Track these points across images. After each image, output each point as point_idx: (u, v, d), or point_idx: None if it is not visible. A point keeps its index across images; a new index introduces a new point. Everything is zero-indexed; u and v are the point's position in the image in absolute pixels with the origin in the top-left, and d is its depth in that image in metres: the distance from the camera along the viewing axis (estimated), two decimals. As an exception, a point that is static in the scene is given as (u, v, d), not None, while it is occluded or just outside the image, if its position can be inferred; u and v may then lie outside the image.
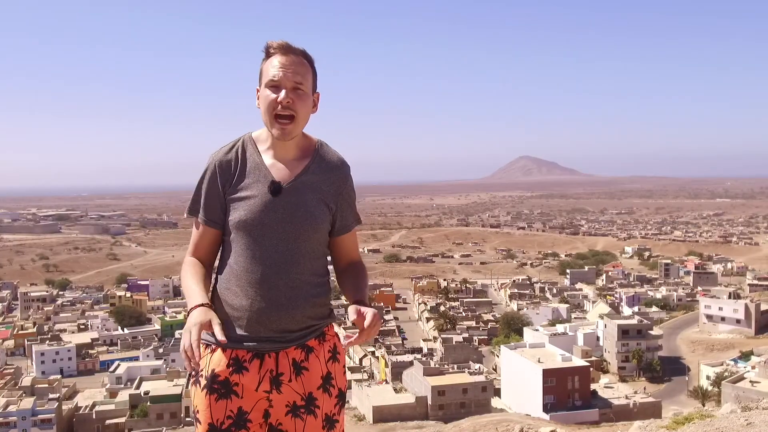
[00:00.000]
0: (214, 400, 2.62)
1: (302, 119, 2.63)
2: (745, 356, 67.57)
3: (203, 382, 2.66)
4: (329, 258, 2.91)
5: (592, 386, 55.95)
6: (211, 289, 2.73)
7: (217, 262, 2.80)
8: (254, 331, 2.61)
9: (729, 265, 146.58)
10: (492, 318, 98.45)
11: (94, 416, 52.76)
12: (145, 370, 64.12)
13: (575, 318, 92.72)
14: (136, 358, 73.97)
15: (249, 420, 2.64)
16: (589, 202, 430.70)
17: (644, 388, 63.86)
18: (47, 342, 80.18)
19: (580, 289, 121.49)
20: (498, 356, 68.44)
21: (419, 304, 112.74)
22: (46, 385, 58.79)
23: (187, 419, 49.74)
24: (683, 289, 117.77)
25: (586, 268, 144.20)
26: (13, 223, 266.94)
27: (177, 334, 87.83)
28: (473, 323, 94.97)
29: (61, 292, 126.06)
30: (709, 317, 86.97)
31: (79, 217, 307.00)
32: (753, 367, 58.35)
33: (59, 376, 66.47)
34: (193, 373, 2.70)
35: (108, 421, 51.83)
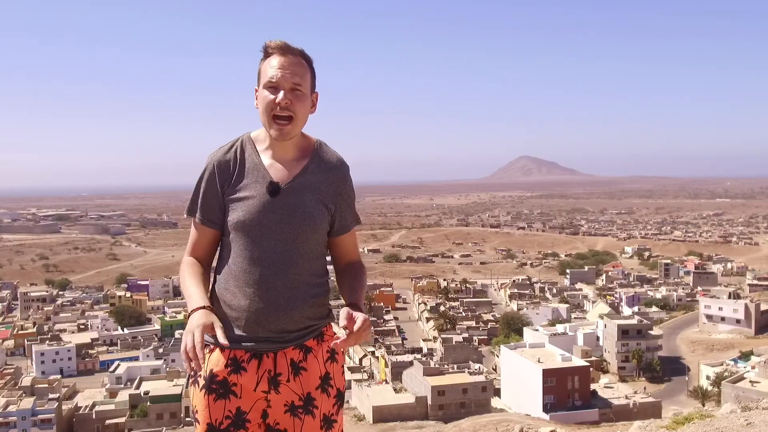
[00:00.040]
0: (212, 400, 2.63)
1: (301, 120, 2.63)
2: (745, 356, 67.57)
3: (202, 382, 2.67)
4: (329, 258, 2.92)
5: (592, 386, 55.94)
6: (209, 289, 2.73)
7: (215, 262, 2.80)
8: (252, 332, 2.61)
9: (729, 265, 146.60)
10: (492, 318, 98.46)
11: (94, 416, 52.76)
12: (145, 370, 64.13)
13: (575, 318, 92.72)
14: (136, 358, 73.98)
15: (247, 420, 2.65)
16: (589, 202, 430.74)
17: (644, 388, 63.85)
18: (47, 342, 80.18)
19: (580, 289, 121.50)
20: (498, 356, 68.44)
21: (419, 304, 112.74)
22: (46, 385, 58.80)
23: (187, 419, 49.75)
24: (683, 289, 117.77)
25: (586, 268, 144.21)
26: (13, 223, 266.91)
27: (177, 334, 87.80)
28: (473, 323, 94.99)
29: (61, 292, 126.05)
30: (709, 317, 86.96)
31: (79, 217, 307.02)
32: (753, 367, 58.34)
33: (59, 376, 66.47)
34: (192, 373, 2.71)
35: (108, 421, 51.83)
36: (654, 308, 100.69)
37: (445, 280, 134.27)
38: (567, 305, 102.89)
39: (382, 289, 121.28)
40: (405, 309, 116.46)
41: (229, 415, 2.63)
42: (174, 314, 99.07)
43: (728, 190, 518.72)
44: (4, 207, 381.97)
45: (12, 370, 71.30)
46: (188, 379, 2.79)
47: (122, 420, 51.48)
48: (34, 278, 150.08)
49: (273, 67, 2.56)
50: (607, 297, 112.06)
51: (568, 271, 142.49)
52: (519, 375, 56.56)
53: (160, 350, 77.26)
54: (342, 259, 2.89)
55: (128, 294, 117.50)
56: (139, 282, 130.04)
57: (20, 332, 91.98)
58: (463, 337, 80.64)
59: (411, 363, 60.21)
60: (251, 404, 2.65)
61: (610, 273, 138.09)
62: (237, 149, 2.72)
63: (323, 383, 2.72)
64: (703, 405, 39.69)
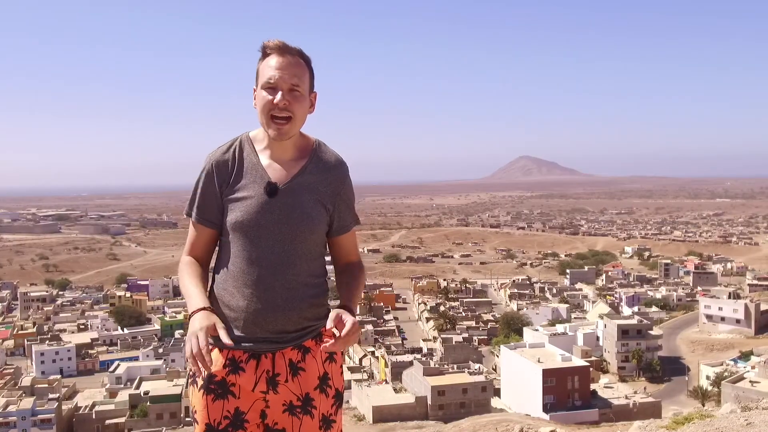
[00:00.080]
0: (211, 401, 2.64)
1: (299, 120, 2.63)
2: (745, 356, 67.57)
3: (200, 382, 2.67)
4: (329, 258, 2.91)
5: (592, 386, 55.94)
6: (208, 289, 2.73)
7: (214, 262, 2.80)
8: (251, 332, 2.61)
9: (729, 265, 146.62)
10: (492, 318, 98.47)
11: (93, 416, 52.75)
12: (144, 370, 64.13)
13: (575, 318, 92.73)
14: (136, 358, 73.96)
15: (246, 420, 2.65)
16: (589, 202, 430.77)
17: (644, 388, 63.84)
18: (47, 342, 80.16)
19: (580, 289, 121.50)
20: (498, 356, 68.44)
21: (419, 304, 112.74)
22: (46, 385, 58.79)
23: (186, 419, 49.73)
24: (683, 289, 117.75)
25: (586, 268, 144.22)
26: (13, 223, 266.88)
27: (177, 334, 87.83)
28: (473, 323, 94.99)
29: (60, 292, 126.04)
30: (709, 317, 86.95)
31: (79, 217, 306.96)
32: (753, 367, 58.34)
33: (59, 376, 66.46)
34: (191, 373, 2.71)
35: (108, 421, 51.81)
36: (654, 308, 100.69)
37: (445, 280, 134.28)
38: (567, 305, 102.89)
39: (382, 289, 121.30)
40: (405, 309, 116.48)
41: (227, 416, 2.63)
42: (174, 314, 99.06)
43: (728, 190, 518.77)
44: (4, 207, 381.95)
45: (12, 370, 71.30)
46: (188, 379, 2.80)
47: (122, 420, 51.47)
48: (34, 278, 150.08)
49: (271, 67, 2.56)
50: (607, 297, 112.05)
51: (568, 271, 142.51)
52: (519, 375, 56.55)
53: (160, 350, 77.26)
54: (341, 260, 2.89)
55: (128, 294, 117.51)
56: (139, 282, 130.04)
57: (20, 332, 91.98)
58: (463, 337, 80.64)
59: (411, 363, 60.21)
60: (250, 404, 2.65)
61: (610, 273, 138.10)
62: (235, 149, 2.71)
63: (322, 383, 2.72)
64: (703, 405, 39.68)
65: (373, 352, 74.51)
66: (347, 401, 50.74)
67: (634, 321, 78.36)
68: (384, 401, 48.87)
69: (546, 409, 50.66)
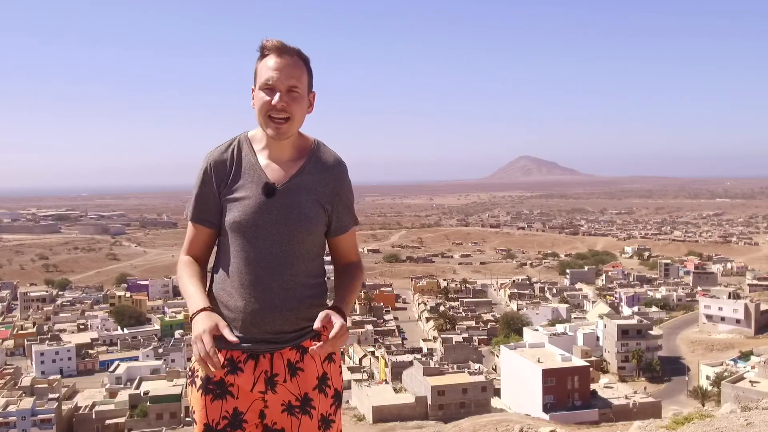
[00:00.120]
0: (209, 401, 2.64)
1: (298, 120, 2.62)
2: (745, 356, 67.56)
3: (199, 382, 2.68)
4: (329, 258, 2.91)
5: (592, 386, 55.94)
6: (207, 288, 2.73)
7: (212, 262, 2.80)
8: (249, 333, 2.61)
9: (729, 265, 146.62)
10: (492, 318, 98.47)
11: (93, 416, 52.74)
12: (144, 370, 64.12)
13: (575, 318, 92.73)
14: (136, 358, 73.93)
15: (245, 420, 2.66)
16: (588, 202, 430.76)
17: (644, 388, 63.85)
18: (47, 342, 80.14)
19: (580, 289, 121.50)
20: (498, 356, 68.44)
21: (419, 304, 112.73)
22: (46, 385, 58.77)
23: (186, 419, 49.72)
24: (683, 289, 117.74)
25: (586, 268, 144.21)
26: (13, 223, 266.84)
27: (177, 334, 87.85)
28: (473, 323, 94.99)
29: (60, 292, 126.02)
30: (709, 317, 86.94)
31: (79, 217, 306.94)
32: (753, 367, 58.33)
33: (59, 376, 66.44)
34: (190, 373, 2.71)
35: (108, 421, 51.80)
36: (654, 308, 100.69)
37: (445, 280, 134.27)
38: (567, 305, 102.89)
39: (382, 289, 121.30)
40: (405, 309, 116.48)
41: (226, 416, 2.64)
42: (174, 314, 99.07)
43: (728, 190, 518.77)
44: (4, 207, 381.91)
45: (12, 370, 71.29)
46: (187, 379, 2.79)
47: (122, 420, 51.47)
48: (34, 278, 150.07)
49: (269, 68, 2.55)
50: (607, 297, 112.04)
51: (568, 271, 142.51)
52: (519, 375, 56.55)
53: (160, 350, 77.24)
54: (340, 260, 2.88)
55: (128, 294, 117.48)
56: (138, 282, 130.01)
57: (20, 332, 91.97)
58: (463, 337, 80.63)
59: (411, 363, 60.20)
60: (248, 404, 2.65)
61: (610, 273, 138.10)
62: (234, 149, 2.71)
63: (320, 384, 2.72)
64: (703, 405, 39.68)
65: (373, 352, 74.51)
66: (347, 401, 50.73)
67: (634, 321, 78.35)
68: (384, 401, 48.87)
69: (546, 409, 50.66)
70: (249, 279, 2.60)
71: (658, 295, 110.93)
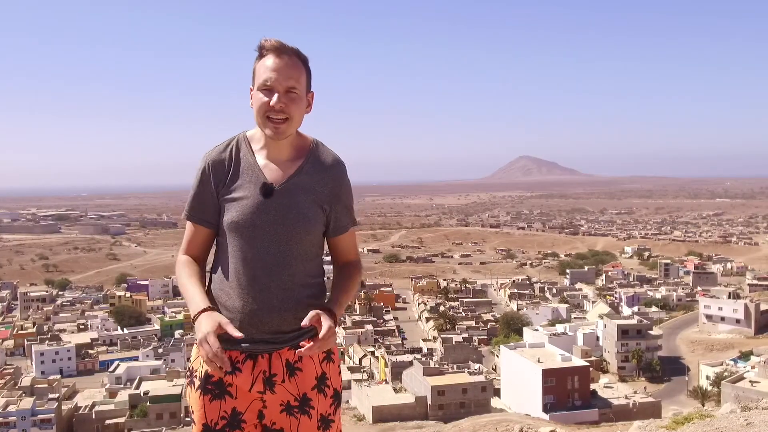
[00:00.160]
0: (208, 401, 2.64)
1: (296, 120, 2.62)
2: (745, 356, 67.56)
3: (197, 382, 2.68)
4: (329, 258, 2.90)
5: (592, 386, 55.94)
6: (206, 287, 2.73)
7: (211, 262, 2.80)
8: (247, 333, 2.60)
9: (729, 265, 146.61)
10: (492, 318, 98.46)
11: (93, 416, 52.75)
12: (144, 370, 64.12)
13: (575, 318, 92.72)
14: (136, 358, 73.94)
15: (243, 420, 2.66)
16: (588, 202, 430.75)
17: (644, 388, 63.85)
18: (47, 342, 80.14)
19: (580, 289, 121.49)
20: (498, 356, 68.43)
21: (419, 304, 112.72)
22: (46, 385, 58.76)
23: (186, 419, 49.70)
24: (683, 289, 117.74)
25: (586, 268, 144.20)
26: (12, 223, 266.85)
27: (177, 334, 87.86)
28: (473, 323, 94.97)
29: (60, 292, 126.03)
30: (709, 317, 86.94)
31: (79, 217, 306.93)
32: (753, 367, 58.34)
33: (59, 376, 66.45)
34: (189, 373, 2.72)
35: (108, 421, 51.80)
36: (654, 308, 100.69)
37: (445, 280, 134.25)
38: (567, 305, 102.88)
39: (382, 289, 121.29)
40: (405, 309, 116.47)
41: (224, 416, 2.64)
42: (174, 314, 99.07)
43: (728, 190, 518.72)
44: (4, 207, 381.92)
45: (12, 370, 71.30)
46: (186, 379, 2.80)
47: (122, 420, 51.47)
48: (34, 278, 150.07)
49: (267, 68, 2.54)
50: (607, 297, 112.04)
51: (567, 271, 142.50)
52: (519, 375, 56.55)
53: (160, 350, 77.23)
54: (339, 260, 2.89)
55: (128, 294, 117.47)
56: (138, 282, 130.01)
57: (20, 332, 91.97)
58: (462, 337, 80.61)
59: (411, 363, 60.20)
60: (247, 405, 2.65)
61: (609, 273, 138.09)
62: (232, 148, 2.71)
63: (319, 383, 2.71)
64: (703, 405, 39.66)
65: (373, 352, 74.51)
66: (347, 401, 50.72)
67: (634, 321, 78.35)
68: (384, 401, 48.87)
69: (546, 409, 50.66)
70: (247, 279, 2.60)
71: (658, 295, 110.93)
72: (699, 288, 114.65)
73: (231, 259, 2.64)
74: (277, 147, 2.67)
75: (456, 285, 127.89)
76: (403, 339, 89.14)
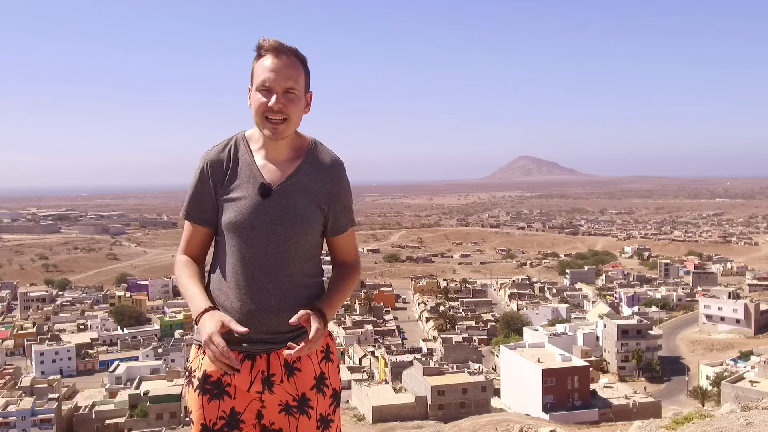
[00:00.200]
0: (206, 401, 2.64)
1: (295, 121, 2.62)
2: (745, 356, 67.59)
3: (196, 382, 2.68)
4: (328, 258, 2.90)
5: (592, 386, 55.97)
6: (205, 286, 2.73)
7: (210, 262, 2.80)
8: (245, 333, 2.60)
9: (729, 265, 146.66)
10: (492, 318, 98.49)
11: (93, 416, 52.77)
12: (144, 370, 64.14)
13: (575, 318, 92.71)
14: (136, 358, 73.97)
15: (242, 420, 2.66)
16: (588, 202, 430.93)
17: (644, 388, 63.87)
18: (47, 342, 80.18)
19: (580, 289, 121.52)
20: (498, 356, 68.44)
21: (419, 304, 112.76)
22: (46, 385, 58.77)
23: (186, 419, 49.58)
24: (683, 289, 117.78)
25: (586, 268, 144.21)
26: (12, 223, 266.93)
27: (177, 334, 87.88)
28: (473, 323, 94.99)
29: (60, 292, 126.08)
30: (709, 317, 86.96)
31: (79, 217, 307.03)
32: (752, 367, 58.38)
33: (59, 376, 66.46)
34: (188, 374, 2.71)
35: (107, 421, 51.83)
36: (654, 308, 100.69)
37: (444, 280, 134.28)
38: (567, 305, 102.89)
39: (382, 289, 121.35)
40: (405, 309, 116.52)
41: (223, 416, 2.64)
42: (174, 314, 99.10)
43: (728, 190, 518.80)
44: (4, 207, 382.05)
45: (12, 370, 71.35)
46: (185, 380, 2.80)
47: (122, 420, 51.48)
48: (34, 278, 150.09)
49: (266, 69, 2.54)
50: (607, 297, 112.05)
51: (567, 271, 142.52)
52: (519, 375, 56.56)
53: (160, 350, 77.25)
54: (337, 260, 2.89)
55: (128, 294, 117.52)
56: (138, 282, 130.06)
57: (20, 332, 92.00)
58: (462, 337, 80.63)
59: (411, 363, 60.21)
60: (245, 405, 2.65)
61: (609, 273, 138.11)
62: (231, 148, 2.72)
63: (318, 383, 2.71)
64: (703, 405, 39.67)
65: (373, 352, 74.53)
66: (347, 401, 50.74)
67: (633, 321, 78.36)
68: (384, 401, 48.89)
69: (546, 409, 50.68)
70: (245, 280, 2.60)
71: (658, 295, 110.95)
72: (699, 288, 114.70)
73: (229, 259, 2.64)
74: (275, 147, 2.67)
75: (456, 285, 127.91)
76: (403, 339, 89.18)
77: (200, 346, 2.67)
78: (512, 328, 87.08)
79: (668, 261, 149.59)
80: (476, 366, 62.94)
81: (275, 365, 2.64)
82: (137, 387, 56.17)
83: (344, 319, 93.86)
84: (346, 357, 75.87)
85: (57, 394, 56.10)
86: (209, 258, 2.83)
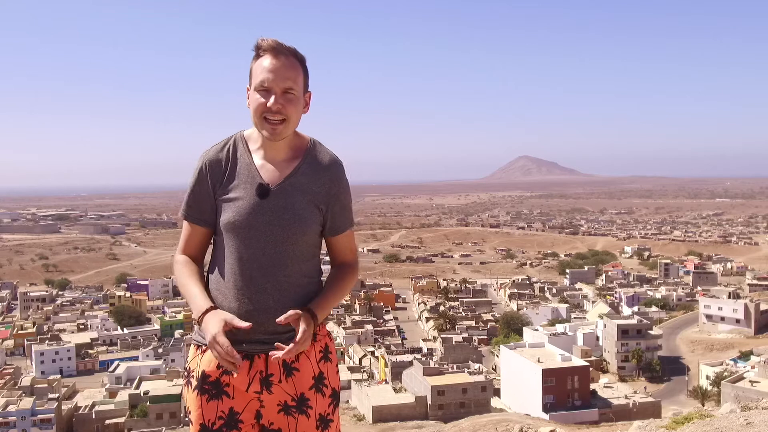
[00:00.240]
0: (205, 401, 2.64)
1: (293, 121, 2.62)
2: (745, 356, 67.58)
3: (194, 382, 2.68)
4: (328, 258, 2.90)
5: (592, 386, 55.96)
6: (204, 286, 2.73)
7: (208, 262, 2.81)
8: (243, 333, 2.59)
9: (729, 265, 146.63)
10: (492, 318, 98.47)
11: (93, 416, 52.76)
12: (144, 370, 64.13)
13: (575, 318, 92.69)
14: (136, 358, 73.95)
15: (240, 420, 2.65)
16: (588, 202, 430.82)
17: (644, 388, 63.87)
18: (47, 342, 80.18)
19: (580, 289, 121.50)
20: (497, 356, 68.43)
21: (419, 304, 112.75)
22: (46, 385, 58.76)
23: (186, 419, 49.55)
24: (683, 289, 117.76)
25: (586, 268, 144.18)
26: (12, 223, 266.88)
27: (177, 333, 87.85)
28: (473, 323, 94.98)
29: (60, 292, 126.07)
30: (709, 317, 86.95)
31: (79, 217, 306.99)
32: (752, 367, 58.36)
33: (59, 376, 66.45)
34: (186, 374, 2.71)
35: (107, 421, 51.82)
36: (654, 308, 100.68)
37: (444, 280, 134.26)
38: (567, 305, 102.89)
39: (382, 289, 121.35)
40: (405, 309, 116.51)
41: (222, 416, 2.63)
42: (174, 314, 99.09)
43: (728, 190, 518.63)
44: (4, 207, 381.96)
45: (12, 370, 71.33)
46: (184, 380, 2.80)
47: (122, 420, 51.47)
48: (34, 278, 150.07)
49: (264, 69, 2.54)
50: (607, 297, 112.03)
51: (567, 271, 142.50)
52: (519, 375, 56.55)
53: (160, 350, 77.23)
54: (336, 260, 2.88)
55: (128, 294, 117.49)
56: (138, 282, 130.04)
57: (20, 332, 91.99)
58: (462, 337, 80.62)
59: (411, 363, 60.20)
60: (244, 405, 2.65)
61: (609, 273, 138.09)
62: (229, 148, 2.71)
63: (317, 383, 2.71)
64: (703, 405, 39.66)
65: (373, 352, 74.51)
66: (347, 401, 50.74)
67: (633, 321, 78.35)
68: (384, 401, 48.88)
69: (546, 408, 50.67)
70: (243, 280, 2.60)
71: (658, 295, 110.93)
72: (699, 288, 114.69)
73: (227, 259, 2.64)
74: (274, 147, 2.67)
75: (456, 285, 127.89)
76: (403, 339, 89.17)
77: (198, 345, 2.68)
78: (512, 328, 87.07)
79: (668, 261, 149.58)
80: (476, 366, 62.93)
81: (273, 365, 2.63)
82: (137, 387, 56.16)
83: (344, 319, 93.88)
84: (346, 357, 75.86)
85: (57, 394, 56.09)
86: (208, 258, 2.83)
